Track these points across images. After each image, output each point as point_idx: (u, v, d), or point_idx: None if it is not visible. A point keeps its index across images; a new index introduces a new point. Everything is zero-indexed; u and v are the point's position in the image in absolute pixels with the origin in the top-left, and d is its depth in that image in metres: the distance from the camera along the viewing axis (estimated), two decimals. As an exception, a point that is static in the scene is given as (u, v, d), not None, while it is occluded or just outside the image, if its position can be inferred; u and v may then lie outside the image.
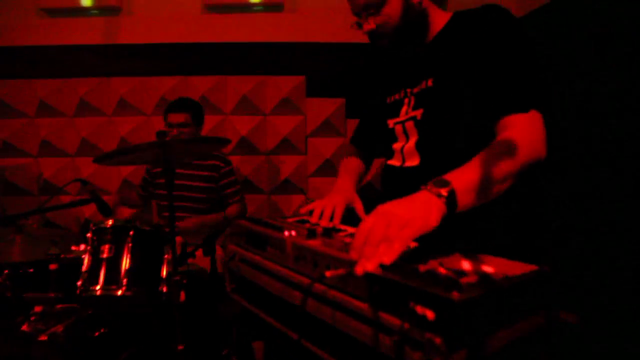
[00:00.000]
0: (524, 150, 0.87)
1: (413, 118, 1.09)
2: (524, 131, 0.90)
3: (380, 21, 1.05)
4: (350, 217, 1.11)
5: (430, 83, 1.07)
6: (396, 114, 1.14)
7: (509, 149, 0.87)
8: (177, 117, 2.39)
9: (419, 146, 1.08)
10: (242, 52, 2.96)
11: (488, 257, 0.77)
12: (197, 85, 2.93)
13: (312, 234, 0.90)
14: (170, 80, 2.94)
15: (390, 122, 1.16)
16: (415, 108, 1.09)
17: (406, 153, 1.11)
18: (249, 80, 2.96)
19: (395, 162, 1.16)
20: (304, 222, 1.11)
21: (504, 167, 0.86)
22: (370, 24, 1.06)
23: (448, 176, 0.84)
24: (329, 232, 0.92)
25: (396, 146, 1.16)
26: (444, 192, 0.81)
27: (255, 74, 2.96)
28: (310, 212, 1.13)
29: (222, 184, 2.45)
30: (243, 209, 2.52)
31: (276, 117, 2.98)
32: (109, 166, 2.77)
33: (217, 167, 2.46)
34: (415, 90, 1.10)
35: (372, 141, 1.33)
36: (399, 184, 1.12)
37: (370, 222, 0.76)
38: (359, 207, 1.14)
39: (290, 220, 1.12)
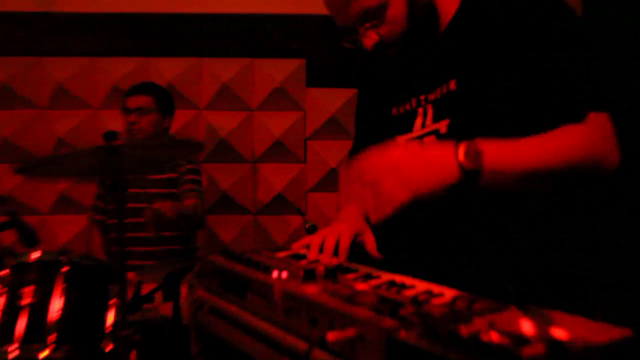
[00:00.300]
0: (589, 145, 0.93)
1: (435, 132, 1.11)
2: (589, 130, 0.95)
3: (385, 31, 1.08)
4: (359, 253, 1.10)
5: (452, 86, 1.08)
6: (408, 128, 1.16)
7: (569, 136, 0.93)
8: (136, 100, 2.38)
9: None
10: (223, 27, 2.97)
11: (557, 313, 0.73)
12: (162, 70, 2.94)
13: (309, 275, 0.88)
14: (125, 62, 2.94)
15: (402, 139, 1.18)
16: (436, 119, 1.11)
17: None
18: (230, 64, 2.96)
19: None
20: (299, 257, 1.09)
21: (558, 154, 0.93)
22: (372, 37, 1.09)
23: (479, 140, 0.92)
24: (332, 274, 0.90)
25: None
26: (471, 149, 0.89)
27: (240, 56, 2.97)
28: (308, 247, 1.13)
29: (184, 180, 2.44)
30: (199, 208, 2.45)
31: (267, 113, 2.99)
32: (38, 178, 2.66)
33: (177, 173, 2.45)
34: (432, 96, 1.13)
35: None
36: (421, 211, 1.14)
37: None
38: (369, 240, 1.14)
39: (280, 254, 1.10)
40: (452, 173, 0.89)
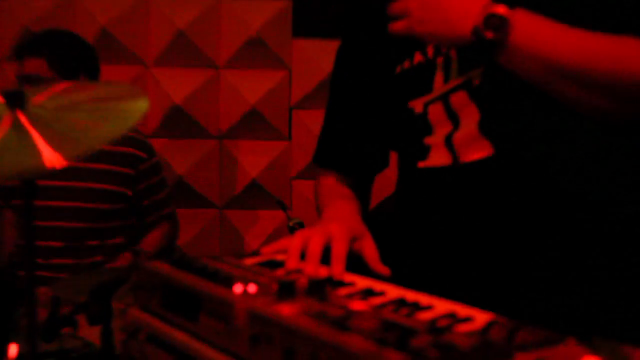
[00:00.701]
0: None
1: (465, 85, 1.15)
2: None
3: None
4: (356, 264, 1.11)
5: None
6: (426, 88, 1.20)
7: (631, 46, 1.00)
8: (25, 66, 2.27)
9: (485, 127, 1.13)
10: (179, -46, 2.98)
11: (631, 348, 0.76)
12: (93, 11, 2.92)
13: (287, 290, 0.87)
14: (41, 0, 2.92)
15: (418, 104, 1.22)
16: (463, 70, 1.16)
17: (460, 143, 1.17)
18: (188, 5, 2.96)
19: (436, 160, 1.21)
20: (274, 265, 1.09)
21: (609, 56, 1.00)
22: None
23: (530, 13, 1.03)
24: (319, 288, 0.89)
25: (433, 139, 1.21)
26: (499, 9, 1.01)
27: (202, -6, 2.99)
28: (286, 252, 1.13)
29: (139, 190, 2.44)
30: (171, 236, 2.52)
31: (238, 72, 3.00)
32: None
33: (131, 160, 2.44)
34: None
35: (369, 152, 1.42)
36: (453, 193, 1.17)
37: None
38: (369, 247, 1.15)
39: (249, 262, 1.10)
40: (464, 33, 1.02)
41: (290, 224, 2.40)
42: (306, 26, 3.00)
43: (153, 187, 2.48)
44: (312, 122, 3.01)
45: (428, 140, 1.22)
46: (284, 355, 0.77)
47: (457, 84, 1.16)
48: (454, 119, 1.17)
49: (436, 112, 1.20)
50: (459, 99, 1.15)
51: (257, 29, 2.97)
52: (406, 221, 1.27)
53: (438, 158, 1.20)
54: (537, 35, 1.01)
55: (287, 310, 0.81)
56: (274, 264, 1.10)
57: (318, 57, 2.99)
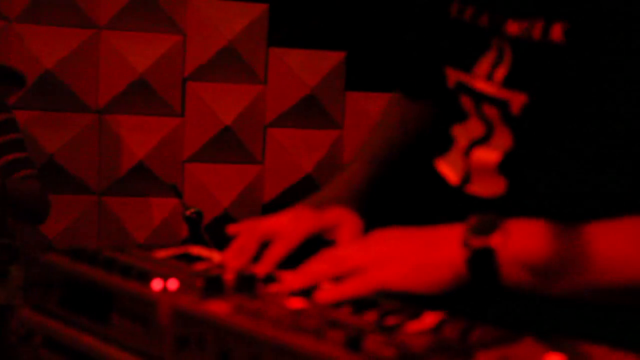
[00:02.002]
0: None
1: (501, 105, 1.07)
2: None
3: None
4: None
5: (557, 33, 1.01)
6: (469, 60, 1.12)
7: None
8: None
9: (506, 165, 1.09)
10: None
11: (592, 347, 0.78)
12: None
13: (214, 286, 0.88)
14: None
15: (452, 75, 1.15)
16: (510, 82, 1.06)
17: (476, 164, 1.13)
18: None
19: (448, 170, 1.18)
20: (191, 259, 1.09)
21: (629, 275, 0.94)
22: None
23: (524, 224, 0.93)
24: (248, 284, 0.91)
25: (460, 133, 1.16)
26: (479, 242, 0.91)
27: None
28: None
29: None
30: (42, 194, 2.45)
31: (123, 34, 2.97)
32: None
33: None
34: (515, 29, 1.05)
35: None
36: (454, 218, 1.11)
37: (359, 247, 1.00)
38: (340, 237, 1.12)
39: (160, 254, 1.09)
40: (455, 268, 0.92)
41: (187, 213, 2.39)
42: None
43: (13, 143, 2.45)
44: (208, 95, 3.03)
45: (457, 130, 1.17)
46: (217, 358, 0.78)
47: (493, 93, 1.08)
48: (486, 124, 1.11)
49: (468, 105, 1.13)
50: (492, 114, 1.08)
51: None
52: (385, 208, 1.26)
53: (451, 167, 1.18)
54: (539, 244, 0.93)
55: (219, 308, 0.81)
56: (191, 258, 1.09)
57: (218, 21, 3.01)
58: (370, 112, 3.09)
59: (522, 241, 0.91)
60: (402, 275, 0.93)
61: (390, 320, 0.81)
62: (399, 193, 1.30)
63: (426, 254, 0.94)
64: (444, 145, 1.20)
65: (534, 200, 1.06)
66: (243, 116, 3.07)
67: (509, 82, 1.05)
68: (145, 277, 0.91)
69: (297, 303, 0.85)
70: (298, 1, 3.13)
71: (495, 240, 0.90)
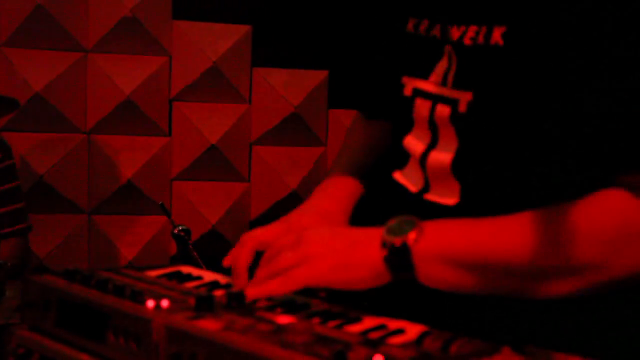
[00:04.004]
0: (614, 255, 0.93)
1: (452, 102, 1.09)
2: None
3: None
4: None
5: (497, 37, 1.05)
6: (424, 68, 1.14)
7: (588, 229, 0.93)
8: None
9: (457, 166, 1.10)
10: None
11: (564, 356, 0.79)
12: None
13: (205, 304, 0.89)
14: None
15: (409, 83, 1.17)
16: (459, 83, 1.09)
17: (432, 170, 1.14)
18: None
19: (406, 182, 1.19)
20: (182, 278, 1.10)
21: (552, 259, 0.94)
22: None
23: (438, 223, 0.99)
24: (238, 301, 0.92)
25: (411, 143, 1.18)
26: (395, 241, 0.96)
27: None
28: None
29: None
30: (22, 252, 2.44)
31: (109, 56, 2.97)
32: None
33: None
34: (458, 34, 1.10)
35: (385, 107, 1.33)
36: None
37: (286, 242, 1.03)
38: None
39: (152, 274, 1.10)
40: (375, 266, 0.97)
41: (175, 231, 2.37)
42: (187, 9, 3.03)
43: (5, 194, 2.42)
44: (194, 115, 3.03)
45: (406, 140, 1.18)
46: (210, 374, 0.78)
47: (445, 94, 1.10)
48: (433, 133, 1.13)
49: (421, 110, 1.14)
50: (442, 115, 1.10)
51: (131, 7, 2.93)
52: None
53: (407, 178, 1.18)
54: (458, 240, 0.98)
55: (210, 325, 0.82)
56: (182, 276, 1.10)
57: (203, 42, 3.02)
58: (353, 129, 3.10)
59: (437, 238, 0.96)
60: (325, 273, 0.97)
61: (374, 334, 0.82)
62: (366, 208, 1.31)
63: (349, 254, 0.98)
64: (403, 158, 1.21)
65: (487, 206, 1.05)
66: (229, 135, 3.06)
67: (457, 83, 1.09)
68: (138, 297, 0.91)
69: (285, 319, 0.85)
70: (281, 22, 3.12)
71: (410, 238, 0.94)
